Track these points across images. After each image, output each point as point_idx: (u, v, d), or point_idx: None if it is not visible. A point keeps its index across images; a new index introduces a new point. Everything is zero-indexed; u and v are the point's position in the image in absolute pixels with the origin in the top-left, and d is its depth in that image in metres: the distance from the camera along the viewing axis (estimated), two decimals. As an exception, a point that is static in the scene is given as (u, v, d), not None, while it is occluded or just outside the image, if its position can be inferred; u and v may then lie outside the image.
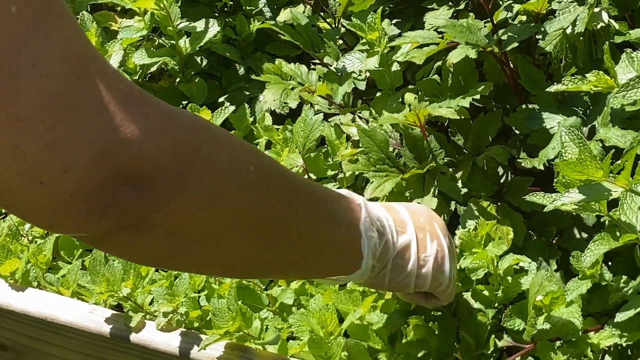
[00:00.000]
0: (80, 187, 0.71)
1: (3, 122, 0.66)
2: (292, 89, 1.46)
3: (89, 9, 1.75)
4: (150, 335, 1.22)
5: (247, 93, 1.67)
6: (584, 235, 1.30)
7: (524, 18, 1.36)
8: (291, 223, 0.93)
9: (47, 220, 0.76)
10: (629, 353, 1.13)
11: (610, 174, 0.98)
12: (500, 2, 1.37)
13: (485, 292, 1.19)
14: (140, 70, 1.68)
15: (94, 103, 0.71)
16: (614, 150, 1.01)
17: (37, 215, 0.75)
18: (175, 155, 0.77)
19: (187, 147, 0.78)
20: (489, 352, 1.15)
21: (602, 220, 1.25)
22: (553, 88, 1.17)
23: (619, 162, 1.01)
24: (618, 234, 1.03)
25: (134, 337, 1.22)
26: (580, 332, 1.10)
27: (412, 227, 1.10)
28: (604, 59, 1.13)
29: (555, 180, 1.02)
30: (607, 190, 0.98)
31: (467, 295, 1.20)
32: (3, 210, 1.55)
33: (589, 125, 1.24)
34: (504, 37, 1.30)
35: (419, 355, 1.19)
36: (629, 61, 1.14)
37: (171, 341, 1.20)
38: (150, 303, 1.26)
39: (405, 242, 1.08)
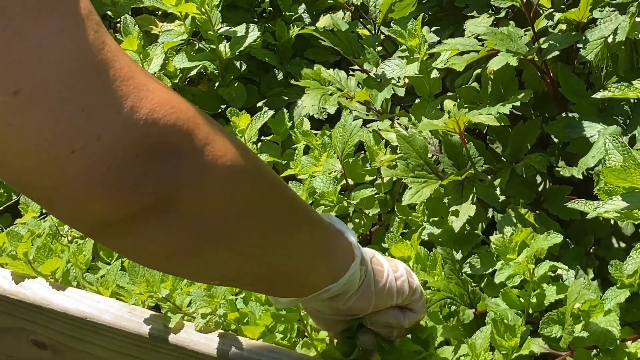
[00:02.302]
0: (111, 156, 0.70)
1: (37, 86, 0.65)
2: (331, 94, 1.47)
3: (130, 13, 1.77)
4: (189, 336, 1.23)
5: (286, 98, 1.68)
6: (622, 244, 1.29)
7: (564, 27, 1.36)
8: (291, 216, 0.94)
9: (75, 201, 0.72)
10: (667, 363, 1.13)
11: (654, 183, 0.98)
12: (541, 11, 1.37)
13: (521, 299, 1.19)
14: (180, 74, 1.69)
15: (122, 71, 0.70)
16: (656, 158, 1.01)
17: (64, 196, 0.72)
18: (200, 130, 0.76)
19: (208, 124, 0.78)
20: (524, 357, 1.15)
21: (640, 229, 1.25)
22: (599, 95, 1.17)
23: (661, 171, 1.01)
24: (658, 243, 1.03)
25: (172, 337, 1.23)
26: (617, 341, 1.10)
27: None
28: (646, 68, 1.13)
29: (596, 187, 1.02)
30: (651, 198, 0.98)
31: (496, 300, 1.20)
32: (44, 211, 1.57)
33: (629, 135, 1.24)
34: (545, 46, 1.30)
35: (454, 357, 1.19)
36: (673, 70, 1.14)
37: (209, 342, 1.21)
38: (189, 304, 1.27)
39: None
